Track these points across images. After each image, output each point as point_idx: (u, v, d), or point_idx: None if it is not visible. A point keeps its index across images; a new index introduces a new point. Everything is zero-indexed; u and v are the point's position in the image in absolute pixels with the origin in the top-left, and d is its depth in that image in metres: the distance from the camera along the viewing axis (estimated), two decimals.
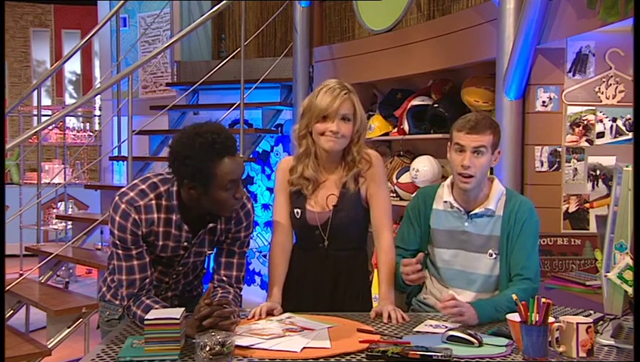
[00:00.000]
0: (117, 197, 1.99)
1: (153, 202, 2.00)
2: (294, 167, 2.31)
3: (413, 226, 2.37)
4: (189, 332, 1.84)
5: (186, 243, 2.07)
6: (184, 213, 2.02)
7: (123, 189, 2.02)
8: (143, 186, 2.01)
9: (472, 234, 2.28)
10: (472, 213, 2.28)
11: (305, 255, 2.33)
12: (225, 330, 1.81)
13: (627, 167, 1.78)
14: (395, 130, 4.21)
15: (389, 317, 2.09)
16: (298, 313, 2.11)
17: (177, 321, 1.73)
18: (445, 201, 2.31)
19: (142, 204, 1.98)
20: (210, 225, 2.06)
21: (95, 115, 9.02)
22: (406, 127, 4.06)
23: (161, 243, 2.04)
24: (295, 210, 2.29)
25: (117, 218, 1.96)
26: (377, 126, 4.31)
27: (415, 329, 1.99)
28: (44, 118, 5.61)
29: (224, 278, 2.14)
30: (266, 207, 5.59)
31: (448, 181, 2.35)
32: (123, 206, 1.97)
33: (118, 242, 1.98)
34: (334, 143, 2.22)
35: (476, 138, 2.20)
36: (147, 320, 1.74)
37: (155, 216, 2.00)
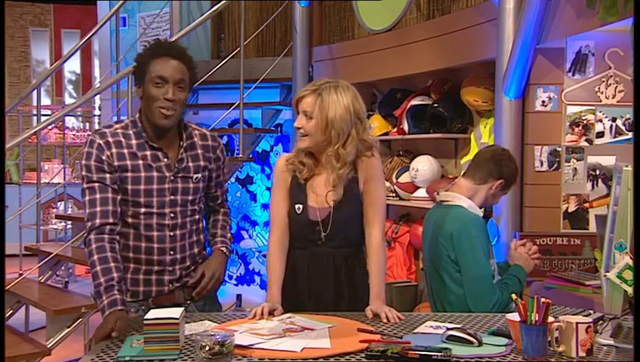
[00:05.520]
0: None
1: (119, 131, 2.17)
2: (290, 157, 2.36)
3: (492, 253, 2.56)
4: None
5: (168, 164, 2.18)
6: (152, 134, 2.18)
7: None
8: (110, 123, 2.27)
9: None
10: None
11: (302, 253, 2.31)
12: (213, 289, 2.24)
13: (626, 166, 1.78)
14: (395, 129, 4.21)
15: (387, 317, 2.09)
16: (298, 313, 2.11)
17: (176, 321, 1.73)
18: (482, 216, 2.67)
19: (107, 132, 2.17)
20: (183, 143, 2.20)
21: (94, 115, 9.02)
22: (405, 126, 4.06)
23: (143, 174, 2.15)
24: (296, 206, 2.28)
25: (85, 148, 2.15)
26: (377, 126, 4.30)
27: (415, 331, 1.99)
28: (43, 118, 5.60)
29: (210, 203, 2.39)
30: (265, 206, 5.60)
31: (471, 203, 2.58)
32: (90, 136, 2.19)
33: (84, 174, 2.14)
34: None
35: None
36: (146, 319, 1.74)
37: (124, 142, 2.15)
